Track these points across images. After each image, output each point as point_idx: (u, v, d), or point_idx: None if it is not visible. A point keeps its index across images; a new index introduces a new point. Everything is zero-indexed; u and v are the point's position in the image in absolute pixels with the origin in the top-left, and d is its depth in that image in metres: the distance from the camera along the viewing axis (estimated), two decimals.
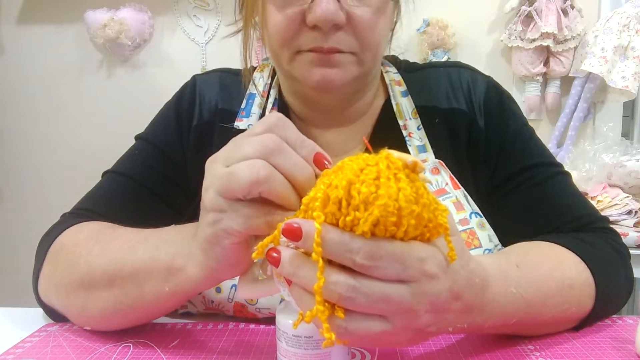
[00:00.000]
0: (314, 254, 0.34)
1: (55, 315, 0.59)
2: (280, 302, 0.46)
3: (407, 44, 1.89)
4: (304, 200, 0.36)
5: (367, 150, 0.37)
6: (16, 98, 2.09)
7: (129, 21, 1.93)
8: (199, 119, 0.69)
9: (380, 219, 0.33)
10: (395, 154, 0.35)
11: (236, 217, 0.40)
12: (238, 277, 0.60)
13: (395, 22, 0.68)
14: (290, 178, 0.39)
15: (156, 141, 0.69)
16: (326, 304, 0.34)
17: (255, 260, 0.43)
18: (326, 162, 0.41)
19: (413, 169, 0.34)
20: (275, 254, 0.36)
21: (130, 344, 0.54)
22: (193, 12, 2.00)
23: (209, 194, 0.41)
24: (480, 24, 1.91)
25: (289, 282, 0.37)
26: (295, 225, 0.35)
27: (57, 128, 2.08)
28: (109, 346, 0.53)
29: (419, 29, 1.86)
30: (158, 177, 0.67)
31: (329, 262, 0.35)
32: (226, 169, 0.40)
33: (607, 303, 0.56)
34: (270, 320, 0.58)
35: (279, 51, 0.60)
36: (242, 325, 0.59)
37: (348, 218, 0.33)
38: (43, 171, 2.11)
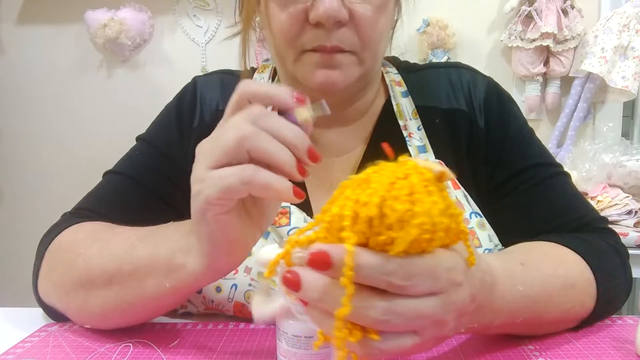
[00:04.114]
0: (343, 279, 0.30)
1: (54, 315, 0.59)
2: None
3: (407, 44, 1.89)
4: (326, 217, 0.32)
5: (382, 157, 0.36)
6: (16, 98, 2.09)
7: (129, 21, 1.93)
8: (199, 121, 0.69)
9: (417, 237, 0.31)
10: (420, 162, 0.33)
11: (212, 184, 0.40)
12: (238, 276, 0.60)
13: (396, 21, 0.68)
14: (280, 138, 0.40)
15: (157, 142, 0.69)
16: (355, 326, 0.32)
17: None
18: (304, 97, 0.42)
19: (440, 179, 0.33)
20: (290, 275, 0.33)
21: (130, 344, 0.54)
22: (193, 12, 2.00)
23: (195, 168, 0.42)
24: (480, 24, 1.91)
25: (305, 302, 0.34)
26: (323, 253, 0.31)
27: (57, 128, 2.08)
28: (109, 346, 0.53)
29: (419, 29, 1.86)
30: (158, 178, 0.67)
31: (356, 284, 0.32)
32: (215, 140, 0.41)
33: (608, 303, 0.56)
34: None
35: (284, 51, 0.60)
36: (242, 325, 0.59)
37: (381, 238, 0.31)
38: (43, 171, 2.11)
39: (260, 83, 0.41)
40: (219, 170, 0.40)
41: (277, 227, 0.61)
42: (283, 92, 0.42)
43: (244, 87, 0.42)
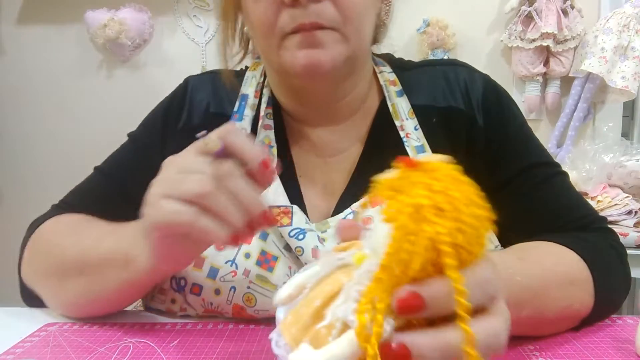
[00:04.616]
0: (464, 325, 0.27)
1: (31, 301, 0.64)
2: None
3: (407, 44, 1.89)
4: (411, 265, 0.27)
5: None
6: (16, 98, 2.08)
7: (129, 21, 1.93)
8: (185, 122, 0.69)
9: None
10: (429, 158, 0.31)
11: (158, 213, 0.43)
12: (236, 278, 0.59)
13: (386, 11, 0.68)
14: (237, 200, 0.42)
15: (140, 141, 0.71)
16: None
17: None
18: (271, 168, 0.44)
19: None
20: (398, 349, 0.28)
21: (130, 344, 0.54)
22: (193, 12, 2.00)
23: (152, 188, 0.44)
24: (480, 24, 1.91)
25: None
26: (415, 294, 0.27)
27: (57, 128, 2.08)
28: (109, 346, 0.53)
29: (419, 29, 1.85)
30: (136, 178, 0.67)
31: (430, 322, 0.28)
32: (178, 175, 0.43)
33: (607, 302, 0.56)
34: (270, 320, 0.58)
35: (266, 42, 0.59)
36: (242, 325, 0.59)
37: (469, 258, 0.29)
38: (43, 171, 2.11)
39: (239, 135, 0.44)
40: (169, 203, 0.42)
41: (278, 226, 0.60)
42: (254, 156, 0.43)
43: (224, 132, 0.44)
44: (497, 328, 0.30)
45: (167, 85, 0.77)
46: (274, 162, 0.45)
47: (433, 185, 0.28)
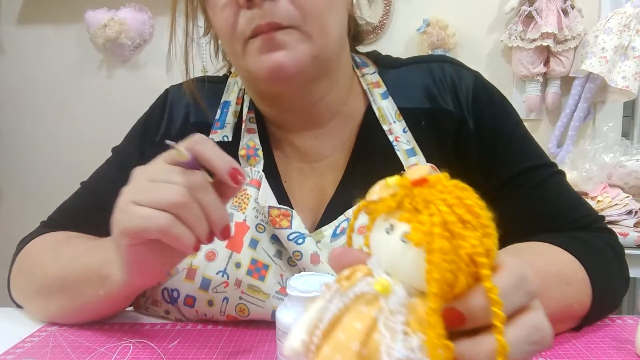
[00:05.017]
0: (497, 323, 0.27)
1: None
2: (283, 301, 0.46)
3: (407, 44, 1.89)
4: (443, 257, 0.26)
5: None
6: (16, 98, 2.08)
7: (129, 21, 1.93)
8: (163, 134, 0.69)
9: None
10: (419, 171, 0.30)
11: (131, 218, 0.44)
12: (229, 289, 0.59)
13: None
14: (205, 212, 0.44)
15: (122, 156, 0.71)
16: None
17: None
18: (240, 177, 0.45)
19: None
20: None
21: (130, 344, 0.54)
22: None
23: (123, 195, 0.45)
24: (480, 24, 1.90)
25: None
26: (456, 311, 0.28)
27: (57, 128, 2.08)
28: (109, 346, 0.53)
29: (419, 29, 1.85)
30: (118, 193, 0.67)
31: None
32: (151, 183, 0.44)
33: (605, 301, 0.56)
34: (270, 322, 0.58)
35: (230, 48, 0.59)
36: (241, 325, 0.59)
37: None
38: (43, 171, 2.11)
39: (208, 145, 0.46)
40: (141, 209, 0.44)
41: (276, 228, 0.59)
42: (222, 166, 0.45)
43: (192, 143, 0.45)
44: (538, 321, 0.30)
45: (167, 85, 0.77)
46: (244, 172, 0.46)
47: (447, 199, 0.27)
